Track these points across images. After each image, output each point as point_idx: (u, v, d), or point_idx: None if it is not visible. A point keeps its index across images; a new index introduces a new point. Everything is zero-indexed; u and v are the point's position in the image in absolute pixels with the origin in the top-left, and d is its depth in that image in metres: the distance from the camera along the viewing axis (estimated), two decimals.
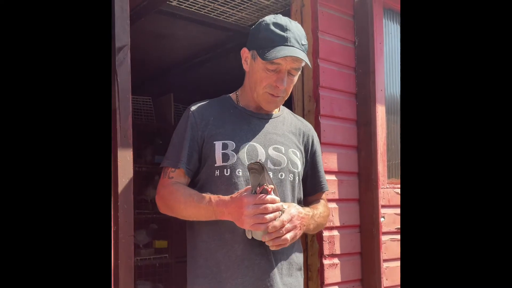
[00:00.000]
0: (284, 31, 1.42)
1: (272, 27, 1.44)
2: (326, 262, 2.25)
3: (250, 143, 1.45)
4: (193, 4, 2.61)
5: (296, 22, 1.51)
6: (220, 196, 1.35)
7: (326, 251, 2.26)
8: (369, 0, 2.46)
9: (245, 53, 1.53)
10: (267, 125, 1.52)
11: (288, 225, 1.32)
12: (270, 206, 1.27)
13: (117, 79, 1.71)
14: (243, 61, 1.54)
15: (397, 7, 2.56)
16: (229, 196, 1.34)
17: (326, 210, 1.62)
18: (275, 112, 1.58)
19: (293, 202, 1.48)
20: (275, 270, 1.41)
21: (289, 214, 1.34)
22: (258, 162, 1.26)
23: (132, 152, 1.75)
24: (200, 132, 1.47)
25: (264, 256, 1.40)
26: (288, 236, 1.32)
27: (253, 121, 1.51)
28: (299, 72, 1.50)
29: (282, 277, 1.43)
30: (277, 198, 1.30)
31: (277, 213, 1.29)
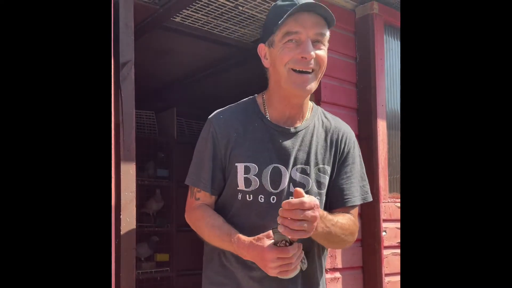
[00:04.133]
0: (291, 0, 1.27)
1: (280, 2, 1.31)
2: (328, 276, 2.25)
3: (274, 165, 1.33)
4: (197, 21, 2.65)
5: None
6: (240, 236, 1.26)
7: (327, 265, 2.25)
8: (370, 17, 2.50)
9: (261, 49, 1.37)
10: (293, 142, 1.36)
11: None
12: (293, 255, 1.19)
13: (121, 94, 1.73)
14: (262, 60, 1.38)
15: (398, 24, 2.60)
16: (249, 240, 1.24)
17: (349, 223, 1.35)
18: (304, 122, 1.40)
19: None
20: None
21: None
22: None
23: (135, 166, 1.77)
24: (223, 150, 1.35)
25: (280, 282, 1.30)
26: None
27: (277, 138, 1.35)
28: (327, 42, 1.30)
29: None
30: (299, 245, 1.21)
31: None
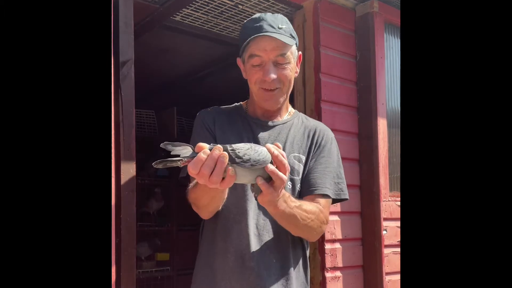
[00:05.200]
0: (257, 23, 1.39)
1: (247, 24, 1.43)
2: (328, 275, 2.25)
3: None
4: (196, 19, 2.64)
5: (280, 14, 1.45)
6: None
7: (328, 264, 2.25)
8: (370, 15, 2.49)
9: (239, 63, 1.50)
10: (270, 133, 1.47)
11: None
12: (203, 166, 1.06)
13: (121, 93, 1.73)
14: (242, 72, 1.51)
15: (398, 22, 2.59)
16: None
17: (315, 210, 1.36)
18: (284, 117, 1.51)
19: None
20: (266, 286, 1.36)
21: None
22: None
23: (135, 165, 1.77)
24: (212, 126, 1.46)
25: (254, 271, 1.36)
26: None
27: (256, 129, 1.47)
28: (292, 60, 1.42)
29: None
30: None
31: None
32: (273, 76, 1.38)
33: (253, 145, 1.12)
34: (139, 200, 3.07)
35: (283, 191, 1.21)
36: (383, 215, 2.39)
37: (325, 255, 2.24)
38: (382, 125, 2.46)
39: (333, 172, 1.47)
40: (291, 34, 1.41)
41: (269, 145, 1.14)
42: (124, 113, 1.74)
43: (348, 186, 2.39)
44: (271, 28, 1.38)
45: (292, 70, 1.44)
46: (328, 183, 1.44)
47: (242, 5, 2.47)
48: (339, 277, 2.30)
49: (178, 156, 1.05)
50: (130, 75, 1.77)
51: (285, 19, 1.44)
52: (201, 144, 1.07)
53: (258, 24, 1.39)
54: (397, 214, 2.46)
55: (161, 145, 1.05)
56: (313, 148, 1.47)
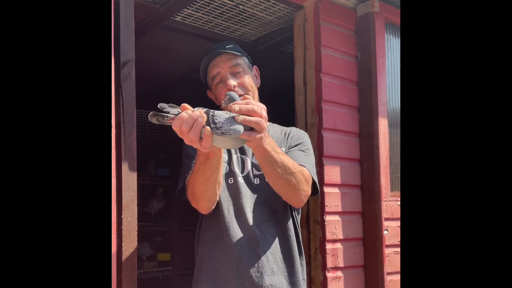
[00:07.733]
0: (208, 53, 1.64)
1: (203, 60, 1.67)
2: (329, 275, 2.25)
3: (238, 155, 1.59)
4: (197, 20, 2.64)
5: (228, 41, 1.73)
6: None
7: (329, 264, 2.25)
8: (371, 15, 2.49)
9: (209, 95, 1.71)
10: None
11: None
12: (183, 124, 1.19)
13: (122, 93, 1.73)
14: (214, 101, 1.71)
15: (399, 22, 2.59)
16: None
17: (297, 164, 1.43)
18: None
19: (282, 203, 1.51)
20: (274, 272, 1.46)
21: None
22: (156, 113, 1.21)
23: (136, 165, 1.77)
24: None
25: (261, 257, 1.46)
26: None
27: None
28: (247, 69, 1.63)
29: (283, 282, 1.47)
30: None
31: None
32: (233, 82, 1.58)
33: (233, 116, 1.19)
34: (140, 200, 3.07)
35: (269, 138, 1.32)
36: (384, 215, 2.39)
37: (326, 255, 2.24)
38: (383, 125, 2.46)
39: (308, 156, 1.57)
40: (239, 51, 1.65)
41: (231, 105, 1.20)
42: (125, 113, 1.74)
43: (349, 186, 2.42)
44: (218, 49, 1.63)
45: (250, 78, 1.63)
46: (303, 160, 1.52)
47: (243, 5, 2.47)
48: (340, 277, 2.30)
49: (169, 113, 1.20)
50: (131, 75, 1.77)
51: (233, 42, 1.70)
52: (185, 104, 1.21)
53: (208, 53, 1.63)
54: (398, 214, 2.46)
55: (158, 105, 1.21)
56: (289, 139, 1.61)
